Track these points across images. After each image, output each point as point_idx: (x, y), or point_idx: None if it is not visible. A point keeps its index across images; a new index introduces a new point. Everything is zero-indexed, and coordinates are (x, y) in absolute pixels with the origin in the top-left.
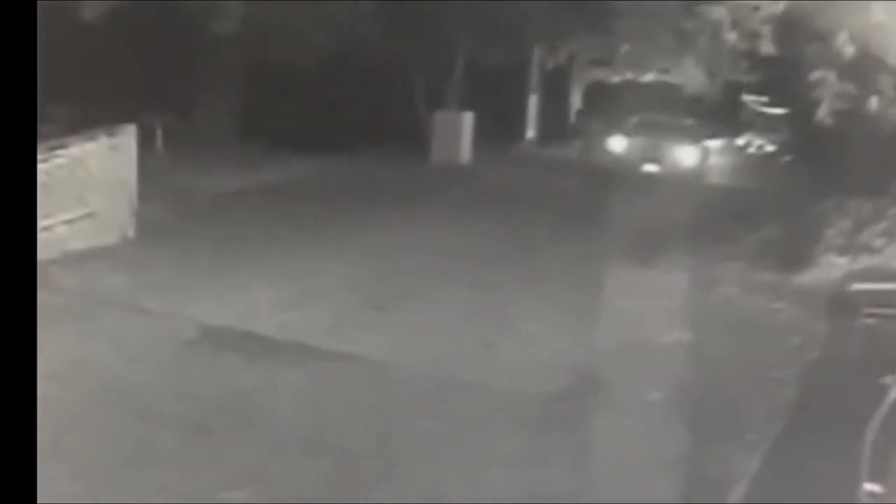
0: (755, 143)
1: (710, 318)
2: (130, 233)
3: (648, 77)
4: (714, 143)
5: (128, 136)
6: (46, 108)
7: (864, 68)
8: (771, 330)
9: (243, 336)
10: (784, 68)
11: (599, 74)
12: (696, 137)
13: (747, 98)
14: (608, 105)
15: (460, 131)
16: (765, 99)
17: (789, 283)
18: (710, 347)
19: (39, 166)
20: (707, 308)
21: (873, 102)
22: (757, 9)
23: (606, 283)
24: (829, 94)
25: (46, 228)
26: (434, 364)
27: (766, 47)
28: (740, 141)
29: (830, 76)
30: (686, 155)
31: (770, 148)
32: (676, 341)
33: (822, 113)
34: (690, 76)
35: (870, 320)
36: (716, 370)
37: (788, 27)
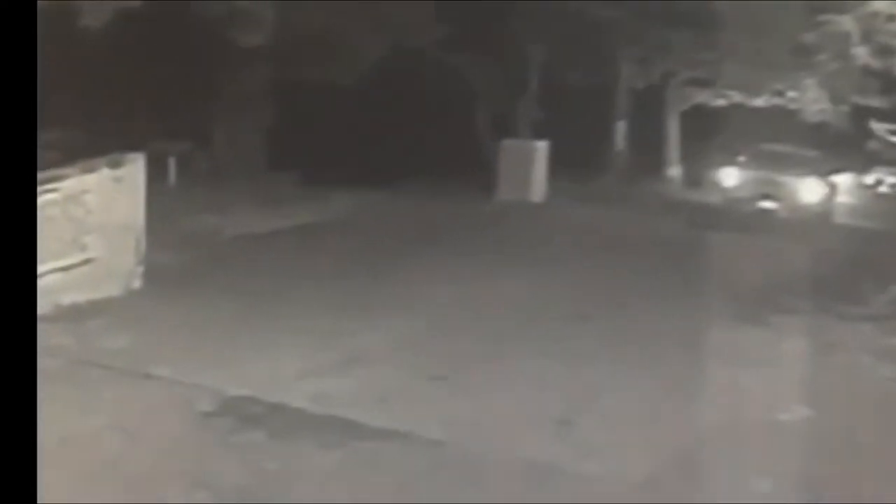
0: (888, 180)
1: (832, 391)
2: (136, 283)
3: (759, 100)
4: (838, 180)
5: (135, 168)
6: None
7: None
8: None
9: (270, 408)
10: None
11: (700, 97)
12: (819, 171)
13: (879, 126)
14: (711, 133)
15: (532, 163)
16: None
17: None
18: (833, 426)
19: None
20: (829, 378)
21: None
22: (893, 19)
23: (708, 347)
24: None
25: None
26: (500, 444)
27: None
28: (870, 178)
29: None
30: (808, 192)
31: None
32: (792, 418)
33: None
34: (811, 100)
35: None
36: (839, 454)
37: None
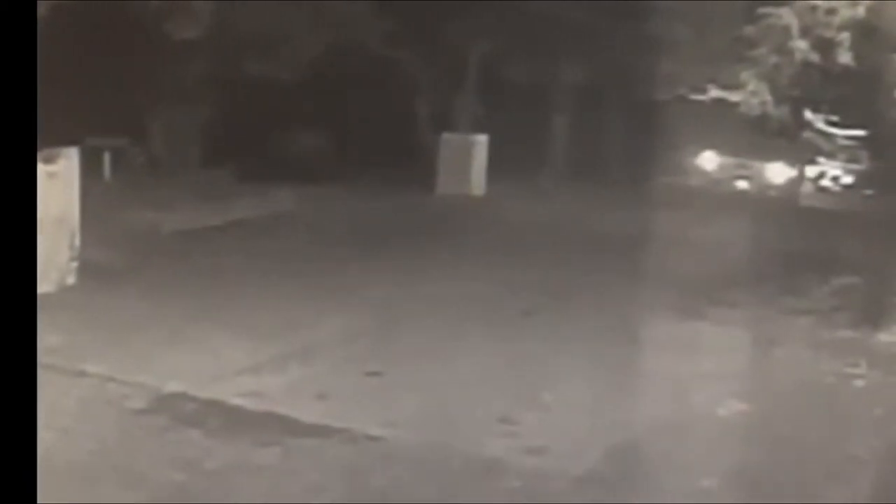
0: (829, 173)
1: (774, 385)
2: (70, 279)
3: (700, 94)
4: (780, 172)
5: (69, 163)
6: None
7: None
8: (848, 399)
9: (206, 406)
10: (864, 83)
11: (641, 91)
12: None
13: (819, 119)
14: (652, 126)
15: (472, 157)
16: (840, 120)
17: (870, 342)
18: (775, 420)
19: None
20: (771, 372)
21: None
22: (833, 12)
23: (651, 341)
24: None
25: None
26: (440, 441)
27: (843, 58)
28: (811, 170)
29: None
30: (777, 175)
31: (847, 179)
32: (733, 413)
33: None
34: (751, 93)
35: None
36: (781, 448)
37: (869, 34)
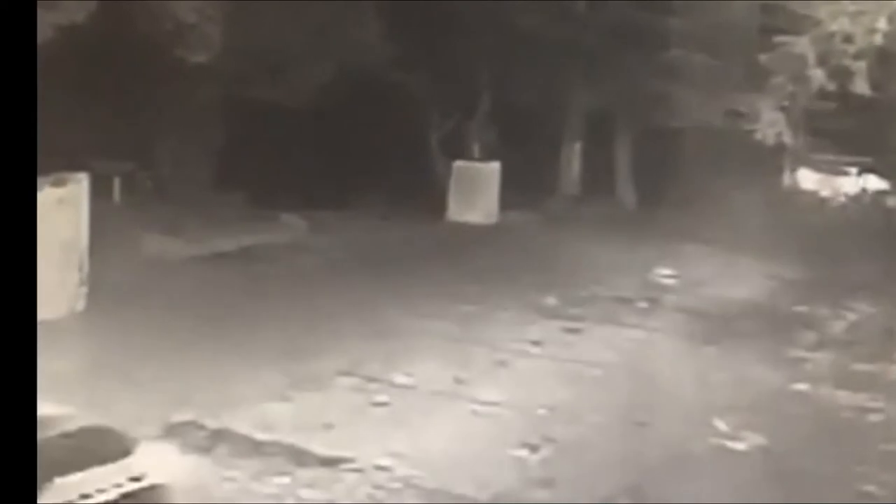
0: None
1: (789, 419)
2: (80, 305)
3: (716, 122)
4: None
5: (79, 187)
6: None
7: None
8: (864, 433)
9: (215, 434)
10: (880, 112)
11: (655, 118)
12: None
13: (833, 146)
14: (665, 153)
15: (484, 184)
16: (854, 148)
17: (887, 376)
18: (790, 454)
19: None
20: (786, 406)
21: None
22: (849, 40)
23: (665, 374)
24: None
25: None
26: (450, 474)
27: (860, 87)
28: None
29: None
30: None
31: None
32: (749, 447)
33: None
34: (767, 122)
35: None
36: (796, 482)
37: (887, 63)
